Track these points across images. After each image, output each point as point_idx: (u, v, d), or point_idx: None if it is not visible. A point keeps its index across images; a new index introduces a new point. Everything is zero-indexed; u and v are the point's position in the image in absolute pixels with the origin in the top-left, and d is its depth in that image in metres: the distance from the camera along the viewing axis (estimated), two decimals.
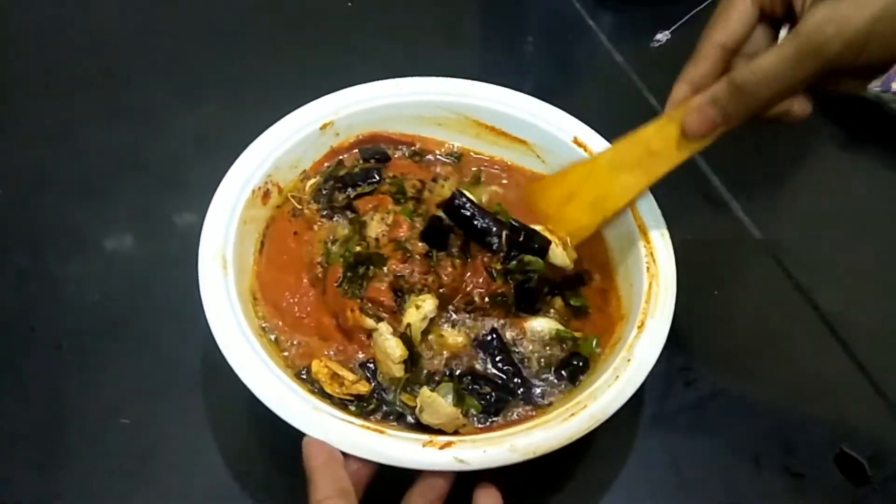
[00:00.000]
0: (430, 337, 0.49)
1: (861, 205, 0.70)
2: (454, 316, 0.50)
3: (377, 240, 0.51)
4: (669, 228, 0.52)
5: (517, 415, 0.46)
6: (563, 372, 0.49)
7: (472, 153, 0.61)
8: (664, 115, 0.46)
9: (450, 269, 0.49)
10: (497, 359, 0.49)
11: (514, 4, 0.86)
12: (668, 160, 0.47)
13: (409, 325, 0.47)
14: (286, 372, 0.44)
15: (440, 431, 0.44)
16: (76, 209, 0.62)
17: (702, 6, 0.82)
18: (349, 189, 0.55)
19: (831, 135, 0.75)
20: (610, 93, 0.78)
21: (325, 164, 0.58)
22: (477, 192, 0.56)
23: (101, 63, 0.75)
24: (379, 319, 0.48)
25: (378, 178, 0.56)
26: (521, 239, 0.50)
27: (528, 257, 0.50)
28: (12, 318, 0.55)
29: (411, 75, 0.59)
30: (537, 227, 0.52)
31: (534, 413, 0.46)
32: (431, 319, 0.48)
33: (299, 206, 0.55)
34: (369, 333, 0.48)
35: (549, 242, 0.50)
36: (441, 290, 0.49)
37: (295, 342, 0.49)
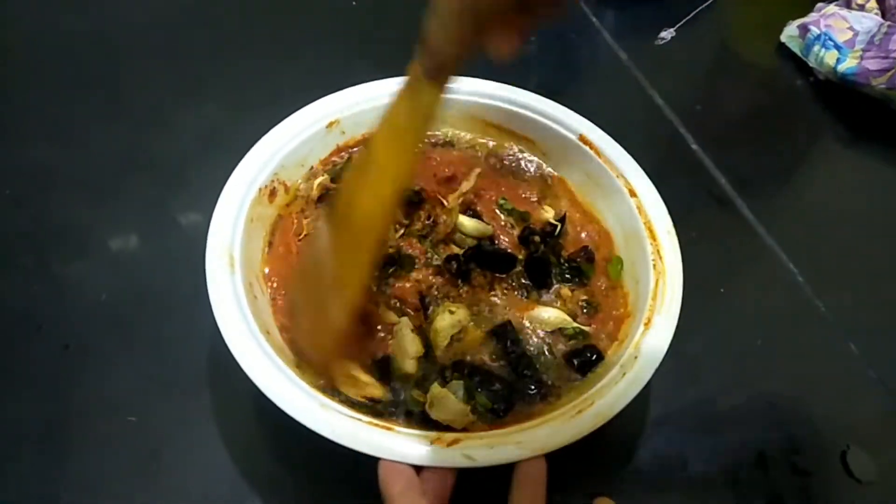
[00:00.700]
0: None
1: (867, 203, 0.70)
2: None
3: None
4: (676, 226, 0.52)
5: (526, 408, 0.47)
6: (574, 361, 0.49)
7: None
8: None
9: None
10: (510, 351, 0.49)
11: None
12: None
13: (431, 323, 0.48)
14: (294, 370, 0.44)
15: (449, 427, 0.44)
16: (82, 209, 0.62)
17: (705, 4, 0.82)
18: None
19: (837, 133, 0.75)
20: (614, 90, 0.78)
21: (333, 160, 0.58)
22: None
23: (107, 62, 0.75)
24: (402, 314, 0.50)
25: None
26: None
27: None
28: (18, 317, 0.55)
29: None
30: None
31: (543, 406, 0.46)
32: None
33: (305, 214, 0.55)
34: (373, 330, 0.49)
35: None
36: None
37: None
